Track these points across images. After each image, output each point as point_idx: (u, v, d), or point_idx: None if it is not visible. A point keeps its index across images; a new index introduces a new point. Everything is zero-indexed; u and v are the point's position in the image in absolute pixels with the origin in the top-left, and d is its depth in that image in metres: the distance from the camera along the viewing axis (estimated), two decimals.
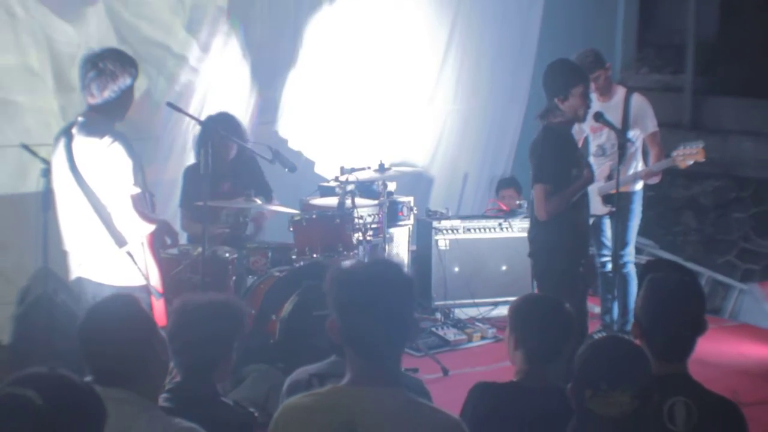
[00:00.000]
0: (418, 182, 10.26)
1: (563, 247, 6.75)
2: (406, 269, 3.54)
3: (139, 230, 6.00)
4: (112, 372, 3.68)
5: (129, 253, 5.98)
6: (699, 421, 4.00)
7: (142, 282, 6.02)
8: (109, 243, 5.95)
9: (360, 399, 3.35)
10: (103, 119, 5.95)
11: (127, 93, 6.01)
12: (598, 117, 7.04)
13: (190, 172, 8.01)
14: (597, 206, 8.01)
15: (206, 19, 8.78)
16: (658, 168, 8.39)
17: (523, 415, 4.47)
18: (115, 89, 5.91)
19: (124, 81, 5.95)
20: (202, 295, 4.44)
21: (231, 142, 7.85)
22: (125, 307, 3.85)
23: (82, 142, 5.93)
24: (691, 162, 8.20)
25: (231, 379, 6.97)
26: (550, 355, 4.59)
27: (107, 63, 5.90)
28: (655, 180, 8.55)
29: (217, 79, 8.90)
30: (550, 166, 6.70)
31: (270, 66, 9.39)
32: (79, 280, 6.12)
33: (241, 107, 8.77)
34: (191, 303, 4.34)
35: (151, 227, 6.06)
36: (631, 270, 8.48)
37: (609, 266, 8.50)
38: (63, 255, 6.21)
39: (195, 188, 7.42)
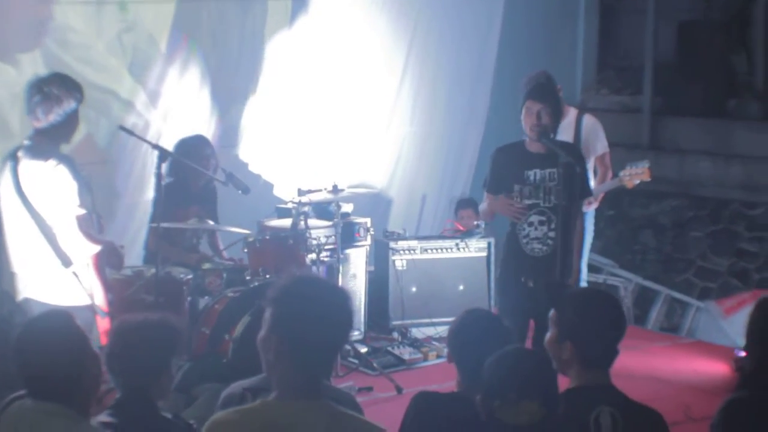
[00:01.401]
0: (376, 204, 10.32)
1: (503, 257, 7.13)
2: (340, 287, 3.62)
3: (84, 251, 6.07)
4: (44, 386, 3.77)
5: (74, 273, 6.05)
6: (624, 430, 4.07)
7: (87, 301, 6.10)
8: (54, 263, 6.03)
9: (288, 413, 3.41)
10: (48, 142, 6.03)
11: (73, 117, 6.08)
12: (540, 137, 7.13)
13: (157, 192, 8.08)
14: None
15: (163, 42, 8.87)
16: (605, 188, 8.49)
17: (462, 424, 4.54)
18: (60, 113, 5.99)
19: (69, 105, 6.02)
20: (137, 315, 4.50)
21: (194, 170, 7.92)
22: (58, 323, 3.93)
23: (27, 165, 6.01)
24: (638, 182, 8.29)
25: (184, 398, 7.04)
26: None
27: (52, 87, 5.98)
28: (593, 206, 8.58)
29: (177, 104, 8.97)
30: (489, 175, 7.10)
31: (229, 90, 9.46)
32: (27, 300, 6.17)
33: (202, 131, 8.80)
34: (126, 323, 4.40)
35: (97, 248, 6.14)
36: None
37: None
38: (11, 276, 6.27)
39: (160, 207, 7.50)
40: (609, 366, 4.23)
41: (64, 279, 6.06)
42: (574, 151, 7.16)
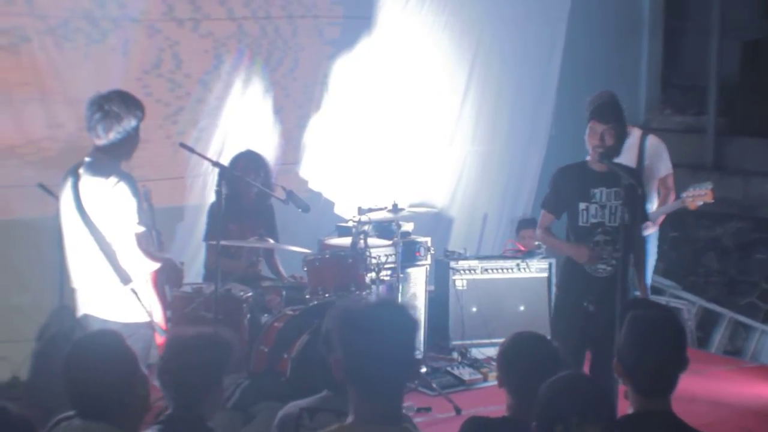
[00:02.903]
0: (437, 223, 10.31)
1: (563, 280, 6.99)
2: (410, 310, 3.60)
3: (143, 268, 6.09)
4: (92, 405, 3.78)
5: (133, 290, 6.07)
6: None
7: (146, 319, 6.11)
8: (114, 280, 6.04)
9: None
10: (109, 159, 6.05)
11: (133, 134, 6.10)
12: (602, 158, 7.07)
13: (214, 209, 8.13)
14: None
15: (226, 57, 8.92)
16: (667, 210, 8.40)
17: None
18: (120, 131, 6.01)
19: (129, 123, 6.04)
20: (190, 329, 4.49)
21: (247, 182, 7.99)
22: (107, 342, 3.94)
23: (88, 182, 6.04)
24: (701, 203, 8.19)
25: (241, 416, 7.05)
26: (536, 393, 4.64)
27: (112, 105, 6.00)
28: (649, 230, 8.49)
29: (239, 119, 9.03)
30: (552, 195, 6.95)
31: (292, 108, 9.52)
32: (86, 317, 6.19)
33: (264, 148, 8.84)
34: (179, 337, 4.40)
35: (156, 265, 6.16)
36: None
37: None
38: (72, 292, 6.32)
39: (218, 224, 7.54)
40: (668, 393, 4.16)
41: (123, 296, 6.07)
42: (635, 175, 7.08)
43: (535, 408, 4.66)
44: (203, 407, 4.29)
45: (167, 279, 6.36)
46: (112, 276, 6.03)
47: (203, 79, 8.90)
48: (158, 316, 6.17)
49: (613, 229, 6.75)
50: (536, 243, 9.59)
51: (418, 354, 8.85)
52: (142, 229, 6.04)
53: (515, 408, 4.64)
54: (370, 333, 3.41)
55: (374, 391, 3.44)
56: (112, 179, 5.97)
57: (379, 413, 3.44)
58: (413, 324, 3.51)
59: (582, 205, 6.75)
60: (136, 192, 6.02)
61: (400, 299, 8.31)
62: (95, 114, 6.01)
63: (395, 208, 8.37)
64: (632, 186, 6.64)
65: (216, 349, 4.36)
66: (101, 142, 6.03)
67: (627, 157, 8.15)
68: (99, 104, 6.02)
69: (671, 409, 4.15)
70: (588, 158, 6.88)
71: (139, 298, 6.07)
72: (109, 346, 3.92)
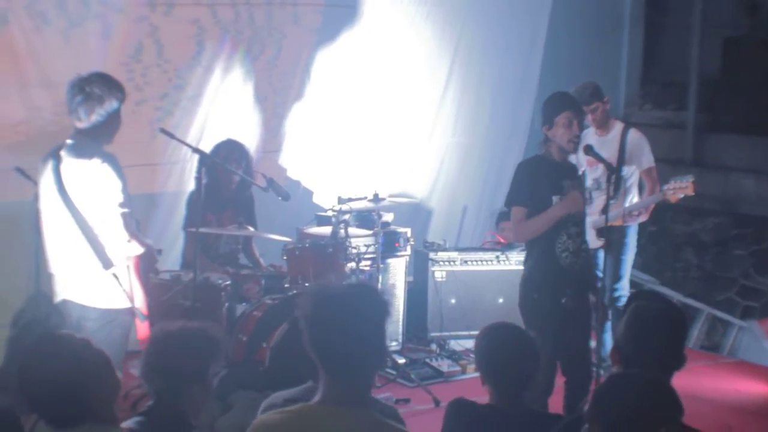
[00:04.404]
0: (416, 214, 10.28)
1: (537, 278, 6.66)
2: (383, 295, 3.57)
3: (128, 251, 6.02)
4: (60, 416, 3.75)
5: (115, 275, 6.00)
6: None
7: (127, 304, 6.05)
8: (95, 265, 5.96)
9: (328, 418, 3.42)
10: (90, 142, 5.98)
11: (114, 116, 6.03)
12: (588, 150, 7.00)
13: (194, 197, 8.07)
14: (591, 239, 7.98)
15: (208, 44, 8.85)
16: (649, 202, 8.39)
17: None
18: (102, 113, 5.95)
19: (111, 104, 5.98)
20: (176, 323, 4.43)
21: (228, 170, 7.93)
22: (55, 351, 3.87)
23: (71, 164, 5.96)
24: (682, 195, 8.18)
25: (220, 405, 6.99)
26: (519, 386, 4.63)
27: (94, 87, 5.94)
28: (642, 218, 8.50)
29: (219, 106, 8.96)
30: (524, 189, 6.64)
31: (273, 96, 9.45)
32: (64, 302, 6.13)
33: (244, 136, 8.77)
34: (164, 331, 4.34)
35: (140, 249, 6.10)
36: (625, 305, 8.44)
37: (605, 300, 8.48)
38: (49, 278, 6.23)
39: (197, 212, 7.49)
40: None
41: (103, 281, 6.00)
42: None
43: (524, 400, 4.68)
44: (187, 403, 4.23)
45: (148, 265, 6.30)
46: (93, 260, 5.95)
47: (184, 66, 8.81)
48: (139, 302, 6.12)
49: (581, 220, 6.71)
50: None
51: (396, 345, 8.83)
52: (126, 210, 5.97)
53: (497, 400, 4.63)
54: (338, 312, 3.41)
55: (341, 372, 3.44)
56: (96, 160, 5.90)
57: (345, 395, 3.44)
58: (383, 307, 3.50)
59: (555, 198, 6.59)
60: (120, 173, 5.97)
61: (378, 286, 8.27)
62: (76, 96, 5.94)
63: (376, 198, 8.32)
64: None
65: (202, 345, 4.31)
66: (83, 124, 5.97)
67: (608, 150, 8.15)
68: (80, 86, 5.95)
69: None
70: (542, 153, 6.76)
71: (120, 283, 6.01)
72: (61, 351, 3.86)
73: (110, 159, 5.97)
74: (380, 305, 3.49)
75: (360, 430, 3.41)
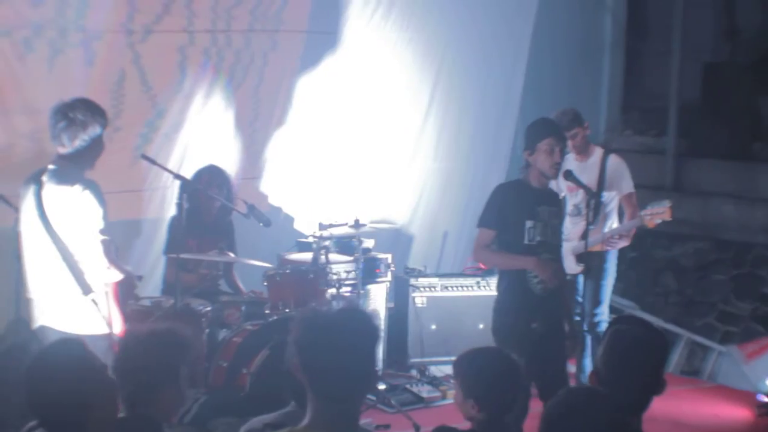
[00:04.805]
0: (397, 240, 10.27)
1: (508, 303, 6.71)
2: (374, 320, 3.57)
3: (106, 277, 6.02)
4: (55, 417, 3.70)
5: (94, 301, 5.99)
6: None
7: (105, 330, 6.04)
8: (74, 290, 5.96)
9: None
10: (73, 167, 6.00)
11: (97, 141, 6.06)
12: (568, 175, 7.05)
13: (175, 222, 8.08)
14: (570, 265, 8.03)
15: (190, 70, 8.86)
16: (627, 228, 8.44)
17: None
18: (85, 138, 5.97)
19: (94, 130, 6.01)
20: (145, 326, 4.41)
21: (209, 196, 7.94)
22: (70, 352, 3.85)
23: (52, 190, 5.97)
24: (659, 221, 8.23)
25: (199, 431, 6.99)
26: (504, 408, 4.64)
27: (77, 113, 5.97)
28: (623, 243, 8.53)
29: (200, 132, 8.96)
30: (495, 212, 6.67)
31: (253, 122, 9.46)
32: (42, 328, 6.11)
33: (224, 161, 8.78)
34: (132, 333, 4.32)
35: (119, 276, 6.11)
36: (605, 330, 8.46)
37: (585, 325, 8.51)
38: (28, 303, 6.21)
39: (177, 238, 7.49)
40: (640, 412, 4.14)
41: (82, 307, 5.99)
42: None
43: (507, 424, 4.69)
44: (159, 407, 4.19)
45: (124, 291, 6.30)
46: (73, 286, 5.95)
47: (166, 92, 8.81)
48: (118, 328, 6.11)
49: (555, 247, 6.73)
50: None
51: (377, 368, 8.82)
52: (107, 237, 5.98)
53: (483, 424, 4.64)
54: (329, 335, 3.38)
55: (330, 395, 3.41)
56: (78, 187, 5.92)
57: (334, 419, 3.41)
58: (374, 332, 3.48)
59: (529, 223, 6.61)
60: (101, 200, 5.98)
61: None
62: (60, 122, 5.95)
63: (357, 224, 8.34)
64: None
65: (171, 346, 4.27)
66: (65, 150, 5.98)
67: (588, 176, 8.20)
68: (63, 112, 5.97)
69: (641, 428, 4.14)
70: (522, 177, 6.80)
71: (99, 309, 6.00)
72: (72, 355, 3.83)
73: (91, 185, 5.98)
74: (371, 329, 3.49)
75: None
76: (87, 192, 5.93)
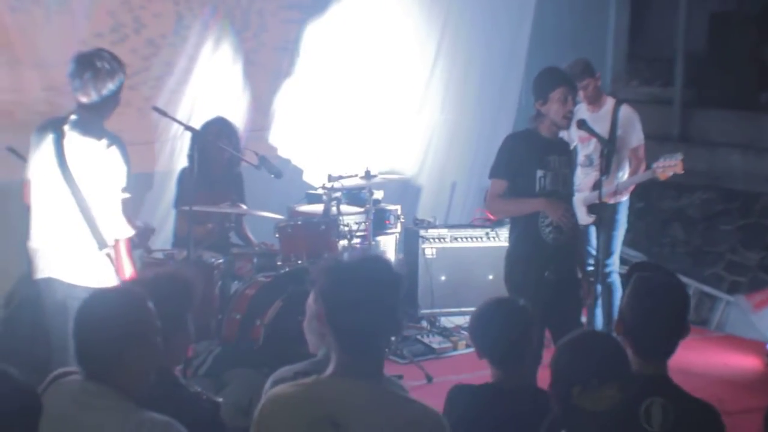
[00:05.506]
0: (406, 191, 10.27)
1: (521, 252, 6.67)
2: (396, 268, 3.57)
3: (122, 234, 5.95)
4: (96, 366, 3.69)
5: (109, 256, 5.92)
6: (675, 424, 3.99)
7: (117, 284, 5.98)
8: (89, 244, 5.87)
9: (341, 390, 3.42)
10: (94, 118, 5.90)
11: (120, 91, 5.97)
12: (581, 125, 7.01)
13: (184, 175, 8.04)
14: (582, 216, 7.99)
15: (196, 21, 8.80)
16: (638, 180, 8.41)
17: (498, 416, 4.50)
18: (112, 87, 5.86)
19: (120, 78, 5.92)
20: (149, 273, 4.35)
21: (220, 148, 7.90)
22: (118, 302, 3.81)
23: (76, 140, 5.86)
24: (671, 173, 8.20)
25: (214, 383, 6.99)
26: (519, 358, 4.63)
27: (104, 62, 5.86)
28: (621, 197, 8.49)
29: (207, 84, 8.92)
30: (507, 162, 6.61)
31: (262, 73, 9.42)
32: (48, 280, 5.98)
33: (232, 113, 8.74)
34: (138, 280, 4.29)
35: (132, 233, 6.03)
36: (616, 280, 8.48)
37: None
38: (32, 252, 6.07)
39: (188, 190, 7.45)
40: (666, 357, 4.15)
41: (95, 261, 5.90)
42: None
43: (524, 374, 4.69)
44: (169, 355, 4.12)
45: (139, 241, 6.27)
46: (88, 239, 5.86)
47: (168, 43, 8.77)
48: None
49: (566, 196, 6.69)
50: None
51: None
52: (128, 195, 5.93)
53: (499, 377, 4.63)
54: (352, 284, 3.41)
55: (353, 344, 3.44)
56: (104, 141, 5.83)
57: (357, 367, 3.44)
58: (396, 280, 3.49)
59: (540, 173, 6.55)
60: (127, 157, 5.90)
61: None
62: (86, 72, 5.82)
63: (368, 175, 8.31)
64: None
65: (175, 292, 4.25)
66: (89, 99, 5.84)
67: (601, 126, 8.15)
68: (89, 62, 5.85)
69: (667, 373, 4.15)
70: (532, 127, 6.72)
71: (113, 263, 5.94)
72: (119, 306, 3.78)
73: (118, 141, 5.90)
74: (395, 278, 3.49)
75: (374, 402, 3.41)
76: (114, 148, 5.84)
